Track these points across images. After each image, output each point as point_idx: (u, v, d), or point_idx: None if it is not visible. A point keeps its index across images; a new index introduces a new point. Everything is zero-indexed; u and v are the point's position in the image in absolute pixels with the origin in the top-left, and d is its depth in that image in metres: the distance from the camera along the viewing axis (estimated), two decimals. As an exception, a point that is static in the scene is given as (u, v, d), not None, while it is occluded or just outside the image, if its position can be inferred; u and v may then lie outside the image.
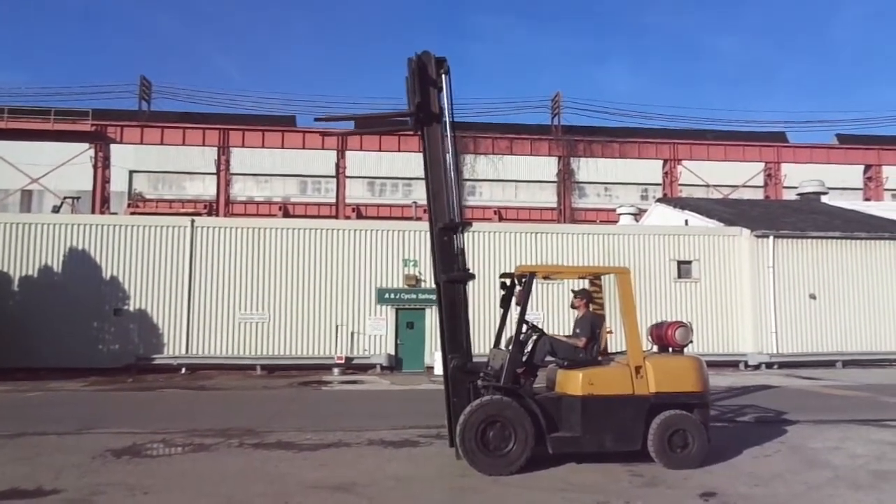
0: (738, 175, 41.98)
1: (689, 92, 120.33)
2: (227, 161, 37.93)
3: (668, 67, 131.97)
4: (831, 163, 40.68)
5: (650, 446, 7.16)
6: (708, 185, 42.53)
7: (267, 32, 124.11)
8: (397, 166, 43.04)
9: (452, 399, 7.36)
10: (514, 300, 8.08)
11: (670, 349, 7.91)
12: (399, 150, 37.76)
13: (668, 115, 74.34)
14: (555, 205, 41.30)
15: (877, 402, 13.33)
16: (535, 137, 39.46)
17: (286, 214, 39.69)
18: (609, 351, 8.33)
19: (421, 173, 8.00)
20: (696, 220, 25.66)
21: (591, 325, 7.83)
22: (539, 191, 45.46)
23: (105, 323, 20.39)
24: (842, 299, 22.91)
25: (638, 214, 32.05)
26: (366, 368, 20.74)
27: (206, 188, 42.40)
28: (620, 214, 31.93)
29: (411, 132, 8.28)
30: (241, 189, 44.05)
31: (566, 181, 40.30)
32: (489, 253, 21.70)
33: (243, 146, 37.58)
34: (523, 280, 7.88)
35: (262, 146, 37.47)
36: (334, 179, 38.49)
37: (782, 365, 21.62)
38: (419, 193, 43.59)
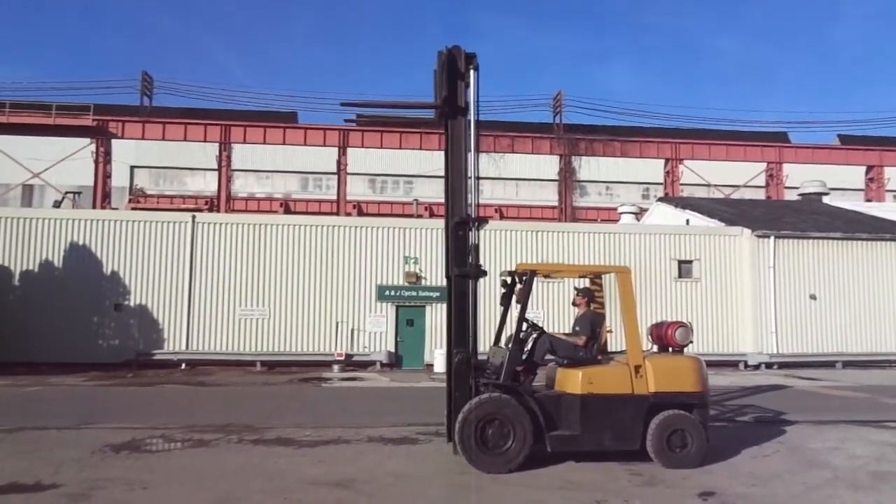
0: (740, 175, 41.95)
1: (689, 91, 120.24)
2: (229, 157, 37.84)
3: (668, 67, 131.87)
4: (833, 163, 40.63)
5: (649, 446, 7.17)
6: (709, 185, 42.53)
7: (269, 29, 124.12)
8: (399, 163, 42.94)
9: (455, 393, 7.35)
10: (514, 298, 8.08)
11: (670, 349, 7.92)
12: (400, 148, 37.53)
13: (670, 114, 74.21)
14: (556, 203, 41.25)
15: (876, 403, 13.34)
16: (536, 136, 39.36)
17: (287, 211, 39.71)
18: (609, 350, 8.34)
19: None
20: (698, 219, 25.64)
21: (592, 323, 7.83)
22: (540, 189, 45.49)
23: (105, 318, 20.42)
24: (842, 300, 22.90)
25: (639, 214, 32.03)
26: (366, 365, 20.76)
27: (207, 184, 42.46)
28: (621, 213, 31.93)
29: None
30: (243, 185, 44.12)
31: (567, 180, 40.22)
32: (490, 251, 21.61)
33: (245, 142, 37.47)
34: (524, 278, 7.88)
35: (264, 142, 37.34)
36: (335, 176, 38.37)
37: (782, 365, 21.62)
38: (420, 191, 43.59)
